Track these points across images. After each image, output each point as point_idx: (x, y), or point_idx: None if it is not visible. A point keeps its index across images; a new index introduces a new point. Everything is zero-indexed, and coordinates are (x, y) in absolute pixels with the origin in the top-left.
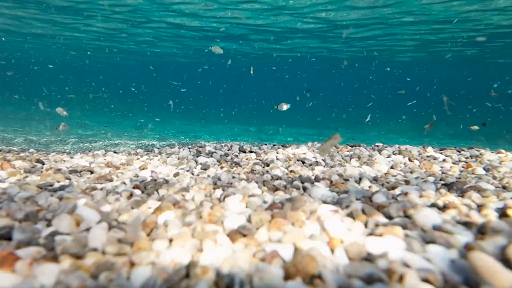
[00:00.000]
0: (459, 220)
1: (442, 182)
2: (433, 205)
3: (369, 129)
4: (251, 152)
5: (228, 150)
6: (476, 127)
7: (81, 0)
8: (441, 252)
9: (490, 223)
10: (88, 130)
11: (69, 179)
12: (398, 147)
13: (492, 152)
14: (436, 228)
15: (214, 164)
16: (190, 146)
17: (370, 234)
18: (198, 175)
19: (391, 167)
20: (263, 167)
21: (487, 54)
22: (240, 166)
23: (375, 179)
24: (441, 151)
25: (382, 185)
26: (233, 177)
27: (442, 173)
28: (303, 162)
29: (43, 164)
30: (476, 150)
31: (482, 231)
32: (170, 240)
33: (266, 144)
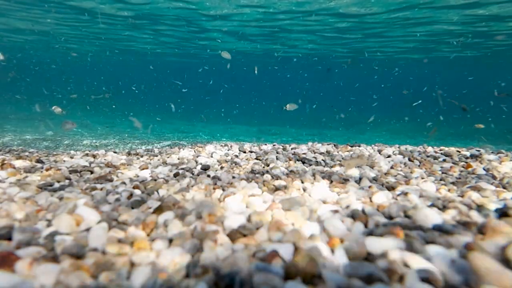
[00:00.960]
0: (459, 220)
1: (442, 182)
2: (433, 205)
3: (370, 129)
4: (251, 152)
5: (228, 150)
6: (481, 125)
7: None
8: (441, 252)
9: (490, 223)
10: (89, 130)
11: (69, 179)
12: (398, 147)
13: (492, 152)
14: (436, 228)
15: (214, 164)
16: (190, 146)
17: (370, 234)
18: (198, 175)
19: (391, 167)
20: (263, 167)
21: (489, 53)
22: (240, 166)
23: (375, 179)
24: (441, 151)
25: (382, 185)
26: (233, 177)
27: (442, 173)
28: (303, 162)
29: (43, 164)
30: (476, 150)
31: (482, 231)
32: (170, 240)
33: (266, 144)
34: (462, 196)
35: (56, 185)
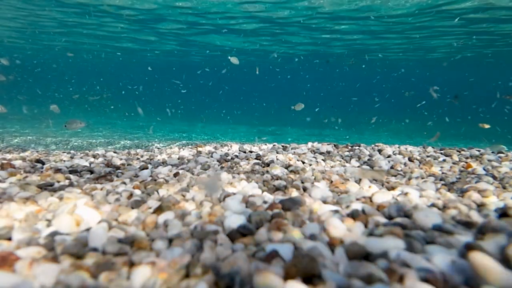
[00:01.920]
0: (459, 220)
1: (442, 182)
2: (433, 205)
3: (370, 129)
4: (251, 152)
5: (228, 150)
6: (485, 125)
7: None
8: (441, 252)
9: (490, 223)
10: (90, 130)
11: (69, 179)
12: (398, 147)
13: (492, 152)
14: (436, 228)
15: (214, 164)
16: (190, 146)
17: (370, 234)
18: (198, 175)
19: (391, 167)
20: (263, 167)
21: (489, 54)
22: (240, 166)
23: (375, 179)
24: (441, 151)
25: (382, 185)
26: (233, 177)
27: (442, 173)
28: (303, 162)
29: (43, 164)
30: (477, 150)
31: (482, 231)
32: (170, 240)
33: (266, 144)
34: (462, 196)
35: (56, 185)
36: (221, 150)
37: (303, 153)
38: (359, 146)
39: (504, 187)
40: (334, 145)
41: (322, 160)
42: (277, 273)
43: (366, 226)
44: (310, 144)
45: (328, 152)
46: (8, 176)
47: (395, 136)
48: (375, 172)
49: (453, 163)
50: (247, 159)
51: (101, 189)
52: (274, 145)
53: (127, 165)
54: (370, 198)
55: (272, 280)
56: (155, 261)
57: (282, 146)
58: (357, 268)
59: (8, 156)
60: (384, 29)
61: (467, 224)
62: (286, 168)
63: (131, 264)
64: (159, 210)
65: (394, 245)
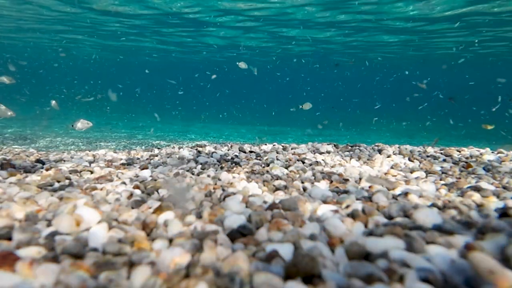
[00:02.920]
0: (459, 220)
1: (442, 182)
2: (433, 205)
3: (371, 130)
4: (251, 152)
5: (228, 150)
6: (488, 126)
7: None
8: (441, 252)
9: (490, 223)
10: (92, 131)
11: (69, 179)
12: (398, 147)
13: (492, 152)
14: (436, 228)
15: (214, 164)
16: (190, 146)
17: (370, 234)
18: (198, 175)
19: (391, 167)
20: (263, 167)
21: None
22: (240, 166)
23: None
24: (441, 151)
25: (382, 185)
26: (233, 177)
27: (442, 173)
28: (303, 162)
29: (43, 164)
30: (477, 150)
31: (482, 231)
32: (170, 240)
33: (266, 144)
34: (462, 196)
35: (56, 185)
36: (221, 150)
37: (303, 153)
38: (359, 146)
39: (504, 187)
40: (334, 145)
41: (322, 160)
42: (277, 273)
43: (366, 226)
44: (310, 144)
45: (328, 152)
46: (8, 176)
47: (395, 136)
48: (384, 181)
49: (453, 163)
50: (247, 159)
51: (101, 189)
52: (274, 145)
53: (127, 165)
54: (370, 198)
55: (272, 280)
56: (155, 261)
57: (282, 146)
58: (357, 268)
59: (9, 155)
60: (381, 31)
61: (467, 224)
62: (286, 168)
63: (131, 264)
64: (159, 210)
65: (394, 245)
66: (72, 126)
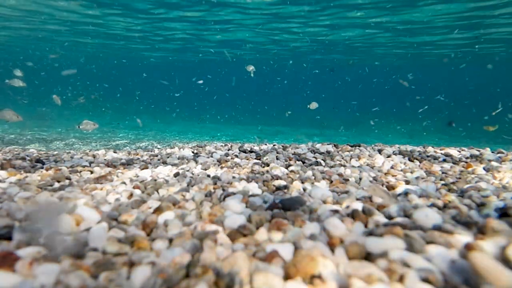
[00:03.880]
0: (459, 220)
1: (442, 182)
2: (433, 205)
3: (371, 130)
4: (251, 152)
5: (228, 150)
6: (490, 128)
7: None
8: (441, 252)
9: (490, 223)
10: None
11: (69, 179)
12: (398, 147)
13: (492, 152)
14: (436, 228)
15: (214, 164)
16: (190, 146)
17: (370, 234)
18: (198, 175)
19: (391, 167)
20: (263, 167)
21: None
22: (240, 166)
23: (375, 179)
24: (441, 151)
25: (382, 185)
26: (233, 177)
27: (442, 173)
28: (303, 162)
29: (43, 164)
30: (477, 150)
31: (482, 231)
32: (170, 240)
33: (266, 144)
34: (462, 196)
35: (56, 185)
36: (221, 150)
37: (303, 153)
38: (359, 146)
39: (504, 187)
40: (334, 145)
41: (322, 160)
42: (277, 273)
43: (366, 226)
44: (310, 144)
45: (328, 152)
46: (8, 176)
47: (396, 136)
48: (385, 194)
49: (453, 163)
50: (247, 159)
51: (101, 189)
52: (274, 145)
53: (127, 165)
54: (370, 198)
55: (272, 280)
56: (155, 261)
57: (282, 146)
58: (357, 268)
59: (8, 155)
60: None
61: (467, 224)
62: (286, 167)
63: (131, 264)
64: (159, 210)
65: (394, 245)
66: (78, 127)
